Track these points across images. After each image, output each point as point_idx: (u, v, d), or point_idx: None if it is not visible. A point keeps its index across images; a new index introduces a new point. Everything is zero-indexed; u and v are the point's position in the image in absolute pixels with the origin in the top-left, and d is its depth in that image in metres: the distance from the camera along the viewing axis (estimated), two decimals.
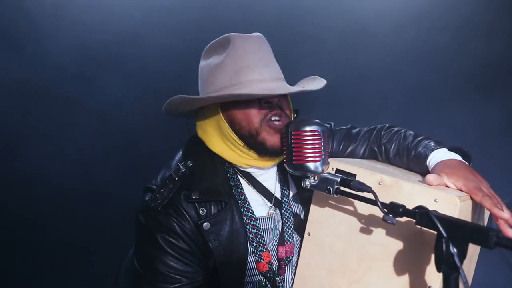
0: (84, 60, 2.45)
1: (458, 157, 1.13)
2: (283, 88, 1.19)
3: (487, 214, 1.17)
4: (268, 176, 1.30)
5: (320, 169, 1.07)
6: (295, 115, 1.27)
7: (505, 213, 0.94)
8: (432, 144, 1.19)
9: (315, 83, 1.28)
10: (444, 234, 0.81)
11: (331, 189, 1.03)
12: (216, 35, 1.25)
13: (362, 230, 1.08)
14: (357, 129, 1.41)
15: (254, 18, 2.49)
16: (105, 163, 2.53)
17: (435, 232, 0.83)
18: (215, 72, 1.18)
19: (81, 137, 2.50)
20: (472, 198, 1.00)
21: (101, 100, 2.50)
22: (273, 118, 1.17)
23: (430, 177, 1.02)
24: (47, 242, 2.47)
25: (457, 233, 0.81)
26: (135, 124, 2.54)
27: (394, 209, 0.91)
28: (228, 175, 1.24)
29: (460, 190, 1.02)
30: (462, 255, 0.82)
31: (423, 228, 0.92)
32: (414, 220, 0.89)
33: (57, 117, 2.46)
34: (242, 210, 1.21)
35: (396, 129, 1.34)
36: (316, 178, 1.08)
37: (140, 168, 2.43)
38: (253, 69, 1.16)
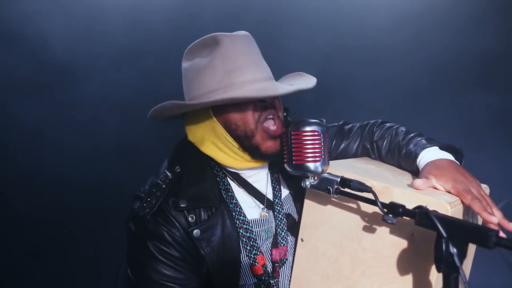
0: (80, 55, 2.45)
1: (449, 156, 1.11)
2: (279, 88, 1.17)
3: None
4: (259, 177, 1.29)
5: (320, 169, 1.07)
6: (285, 114, 1.26)
7: (494, 217, 0.92)
8: (423, 141, 1.18)
9: (306, 80, 1.26)
10: (444, 234, 0.81)
11: (331, 189, 1.03)
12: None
13: (355, 236, 1.07)
14: (349, 125, 1.40)
15: (249, 17, 2.49)
16: (106, 163, 2.52)
17: (432, 233, 0.83)
18: (203, 73, 1.14)
19: (79, 134, 2.49)
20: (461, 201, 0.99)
21: (100, 98, 2.50)
22: (268, 117, 1.16)
23: (417, 181, 1.01)
24: (46, 241, 2.47)
25: (457, 233, 0.81)
26: (136, 123, 2.54)
27: (393, 209, 0.91)
28: (218, 179, 1.22)
29: (449, 192, 1.01)
30: (462, 255, 0.82)
31: (414, 235, 0.93)
32: (405, 225, 0.89)
33: (57, 114, 2.45)
34: (233, 214, 1.20)
35: (388, 125, 1.32)
36: (316, 178, 1.08)
37: (141, 169, 2.43)
38: (244, 69, 1.13)
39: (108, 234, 2.46)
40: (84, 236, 2.50)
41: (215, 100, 1.10)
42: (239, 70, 1.13)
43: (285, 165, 1.12)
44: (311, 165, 1.07)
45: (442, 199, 0.95)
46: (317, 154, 1.07)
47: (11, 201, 2.42)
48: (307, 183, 1.09)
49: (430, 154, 1.13)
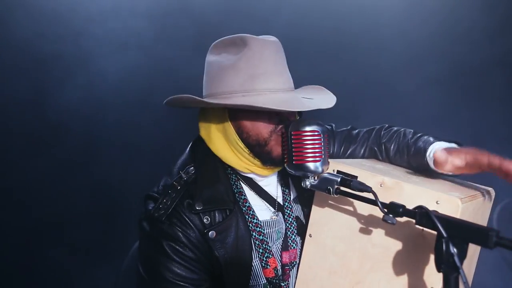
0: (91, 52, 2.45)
1: (457, 146, 1.15)
2: (297, 103, 1.14)
3: (487, 214, 1.17)
4: (270, 181, 1.30)
5: (320, 169, 1.07)
6: (298, 117, 1.25)
7: None
8: (431, 139, 1.20)
9: (326, 96, 1.26)
10: (444, 234, 0.81)
11: (331, 189, 1.03)
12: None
13: (363, 232, 1.08)
14: (356, 130, 1.41)
15: (256, 18, 2.50)
16: (106, 164, 2.52)
17: (436, 232, 0.83)
18: (227, 72, 1.13)
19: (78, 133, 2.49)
20: (480, 164, 1.01)
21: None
22: (283, 130, 1.15)
23: (438, 152, 1.06)
24: (46, 241, 2.46)
25: (457, 233, 0.82)
26: (137, 123, 2.54)
27: (394, 209, 0.91)
28: (231, 181, 1.23)
29: (466, 161, 1.03)
30: (462, 255, 0.82)
31: (424, 228, 0.92)
32: (414, 221, 0.89)
33: (55, 112, 2.45)
34: (246, 217, 1.21)
35: (395, 128, 1.34)
36: (316, 178, 1.08)
37: (141, 171, 2.44)
38: (268, 77, 1.12)
39: (109, 234, 2.46)
40: (84, 235, 2.49)
41: (233, 104, 1.10)
42: (263, 76, 1.11)
43: (285, 165, 1.12)
44: (311, 165, 1.07)
45: (453, 194, 0.96)
46: (317, 154, 1.07)
47: (11, 202, 2.42)
48: (307, 183, 1.09)
49: (439, 145, 1.15)
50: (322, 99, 1.24)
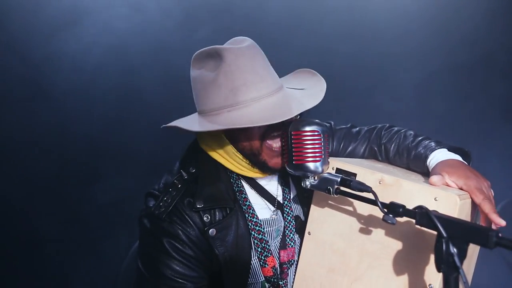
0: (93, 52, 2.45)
1: (458, 157, 1.14)
2: (284, 110, 1.11)
3: None
4: (270, 180, 1.30)
5: (320, 169, 1.07)
6: (298, 116, 1.22)
7: (502, 221, 0.95)
8: (433, 144, 1.20)
9: (316, 84, 1.25)
10: (444, 234, 0.81)
11: (331, 189, 1.04)
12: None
13: (362, 229, 1.08)
14: (357, 129, 1.41)
15: (255, 11, 2.50)
16: (106, 163, 2.52)
17: (435, 232, 0.84)
18: (209, 89, 1.14)
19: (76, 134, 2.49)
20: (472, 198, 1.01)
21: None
22: (272, 135, 1.16)
23: (433, 178, 1.03)
24: (45, 240, 2.46)
25: (457, 233, 0.82)
26: (136, 122, 2.54)
27: (394, 209, 0.91)
28: (232, 180, 1.24)
29: (461, 189, 1.02)
30: (462, 255, 0.82)
31: (423, 227, 0.93)
32: (414, 221, 0.89)
33: (57, 111, 2.45)
34: (246, 216, 1.22)
35: (396, 129, 1.34)
36: (316, 178, 1.08)
37: (141, 171, 2.44)
38: (249, 86, 1.11)
39: (108, 234, 2.46)
40: (84, 235, 2.49)
41: (219, 128, 1.10)
42: (244, 87, 1.10)
43: (285, 165, 1.12)
44: (311, 165, 1.07)
45: (451, 191, 0.96)
46: (317, 154, 1.07)
47: (10, 200, 2.42)
48: (307, 183, 1.09)
49: (440, 155, 1.15)
50: (312, 88, 1.22)
